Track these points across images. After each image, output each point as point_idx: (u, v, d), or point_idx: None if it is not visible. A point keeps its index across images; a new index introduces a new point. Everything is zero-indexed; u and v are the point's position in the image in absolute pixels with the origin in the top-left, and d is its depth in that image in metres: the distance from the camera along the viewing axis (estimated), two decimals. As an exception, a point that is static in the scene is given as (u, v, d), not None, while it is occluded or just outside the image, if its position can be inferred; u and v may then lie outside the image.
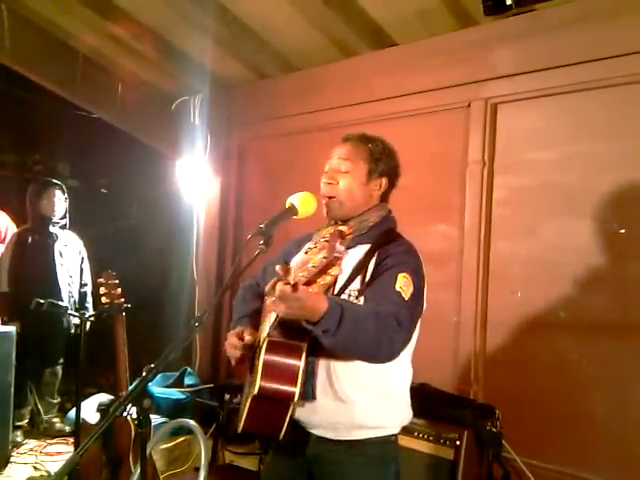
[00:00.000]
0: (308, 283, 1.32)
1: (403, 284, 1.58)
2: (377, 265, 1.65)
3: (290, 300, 1.34)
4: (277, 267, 1.43)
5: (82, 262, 4.38)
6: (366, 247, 1.71)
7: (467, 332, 3.27)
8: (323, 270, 1.28)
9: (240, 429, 1.66)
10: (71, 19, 3.68)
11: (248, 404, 1.57)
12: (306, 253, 1.37)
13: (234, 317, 1.92)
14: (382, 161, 1.81)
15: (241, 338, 1.71)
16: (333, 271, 1.28)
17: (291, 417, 1.60)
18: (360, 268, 1.67)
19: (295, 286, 1.32)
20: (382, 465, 1.72)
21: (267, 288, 1.53)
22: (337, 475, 1.69)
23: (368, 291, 1.61)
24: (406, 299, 1.56)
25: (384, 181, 1.81)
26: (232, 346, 1.73)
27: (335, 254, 1.24)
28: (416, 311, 1.63)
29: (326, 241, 1.29)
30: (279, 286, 1.35)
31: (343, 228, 1.33)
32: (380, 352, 1.52)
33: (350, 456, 1.67)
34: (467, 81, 3.32)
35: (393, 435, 1.74)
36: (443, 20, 3.29)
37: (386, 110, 3.67)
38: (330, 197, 1.74)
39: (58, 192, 4.20)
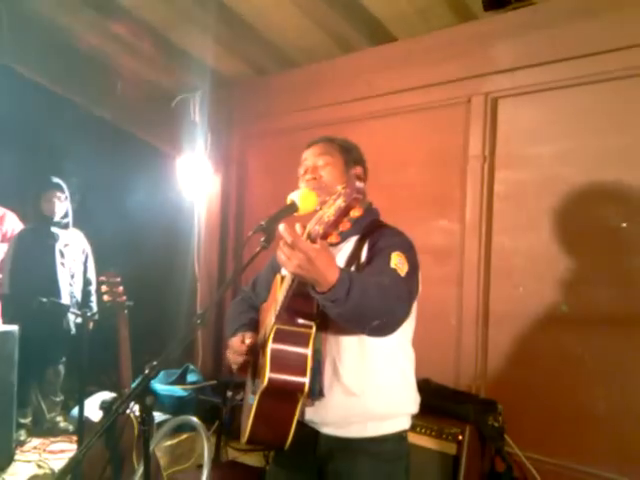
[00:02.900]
0: (325, 235, 1.28)
1: (398, 262, 1.57)
2: (369, 250, 1.67)
3: (303, 253, 1.29)
4: (297, 225, 1.41)
5: (86, 260, 4.38)
6: (355, 238, 1.73)
7: (469, 327, 3.28)
8: (342, 215, 1.22)
9: (245, 439, 1.64)
10: (71, 17, 3.68)
11: (255, 406, 1.55)
12: (320, 209, 1.31)
13: (230, 329, 1.89)
14: (353, 151, 1.88)
15: (244, 342, 1.71)
16: (354, 212, 1.22)
17: (299, 420, 1.58)
18: (353, 258, 1.68)
19: (313, 241, 1.29)
20: (394, 462, 1.71)
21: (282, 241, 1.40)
22: (350, 473, 1.68)
23: (363, 272, 1.60)
24: (402, 276, 1.56)
25: (360, 169, 1.86)
26: (235, 351, 1.73)
27: (355, 195, 1.19)
28: (413, 287, 1.62)
29: (343, 188, 1.23)
30: (293, 235, 1.30)
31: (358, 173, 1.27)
32: (382, 324, 1.49)
33: (362, 454, 1.66)
34: (467, 76, 3.32)
35: (404, 431, 1.74)
36: (442, 15, 3.29)
37: (386, 106, 3.67)
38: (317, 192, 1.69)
39: (58, 192, 4.19)
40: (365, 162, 1.91)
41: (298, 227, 1.43)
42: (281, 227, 1.34)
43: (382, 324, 1.49)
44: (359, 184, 1.21)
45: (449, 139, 3.44)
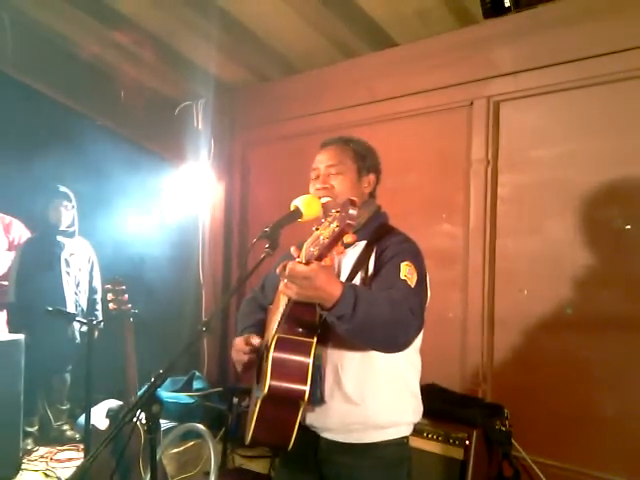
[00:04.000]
0: (320, 257, 1.30)
1: (407, 272, 1.57)
2: (377, 259, 1.66)
3: (300, 278, 1.32)
4: (292, 249, 1.43)
5: (92, 269, 4.40)
6: (363, 244, 1.72)
7: (474, 331, 3.27)
8: (335, 239, 1.25)
9: (248, 440, 1.64)
10: (73, 27, 3.70)
11: (257, 410, 1.56)
12: (317, 229, 1.34)
13: (238, 329, 1.91)
14: (368, 158, 1.86)
15: (248, 343, 1.71)
16: (347, 238, 1.25)
17: (300, 423, 1.59)
18: (360, 264, 1.67)
19: (307, 263, 1.31)
20: (394, 467, 1.70)
21: (278, 270, 1.44)
22: (350, 477, 1.68)
23: (373, 284, 1.60)
24: (413, 286, 1.56)
25: (372, 177, 1.85)
26: (239, 351, 1.73)
27: (347, 221, 1.21)
28: (423, 297, 1.63)
29: (337, 211, 1.26)
30: (289, 265, 1.34)
31: (353, 198, 1.30)
32: (396, 339, 1.48)
33: (363, 459, 1.66)
34: (469, 80, 3.32)
35: (405, 437, 1.73)
36: (443, 19, 3.29)
37: (388, 110, 3.67)
38: (327, 201, 1.71)
39: (65, 201, 4.22)
40: (379, 167, 1.90)
41: (293, 249, 1.44)
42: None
43: (395, 339, 1.49)
44: (352, 211, 1.22)
45: (452, 143, 3.44)
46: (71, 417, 4.29)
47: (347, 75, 3.86)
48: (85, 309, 4.28)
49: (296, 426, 1.58)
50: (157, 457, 1.59)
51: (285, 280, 1.36)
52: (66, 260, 4.20)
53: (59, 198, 4.20)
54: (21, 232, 4.53)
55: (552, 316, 3.02)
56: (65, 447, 3.99)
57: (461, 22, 3.31)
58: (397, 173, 3.57)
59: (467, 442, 2.66)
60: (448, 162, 3.46)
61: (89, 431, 2.85)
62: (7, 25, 3.53)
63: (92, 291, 4.38)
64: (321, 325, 1.56)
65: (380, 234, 1.73)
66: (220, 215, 4.68)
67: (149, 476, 1.63)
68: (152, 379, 1.38)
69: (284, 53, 3.93)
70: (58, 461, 3.77)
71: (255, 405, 1.60)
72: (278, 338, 1.52)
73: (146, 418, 1.41)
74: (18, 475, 3.45)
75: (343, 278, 1.67)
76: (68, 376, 4.27)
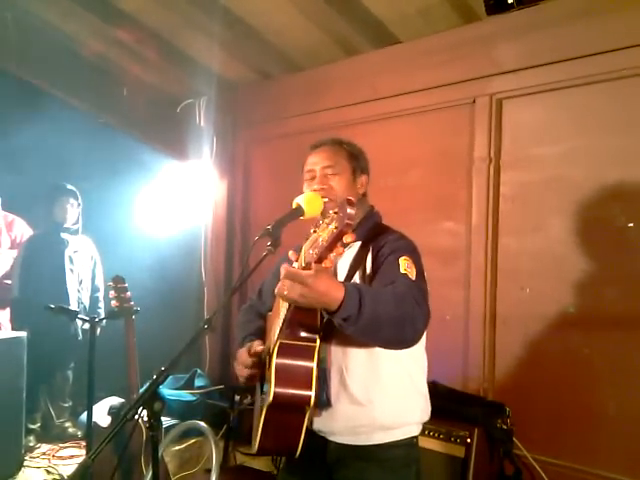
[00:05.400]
0: (320, 259, 1.28)
1: (406, 266, 1.57)
2: (375, 258, 1.66)
3: (301, 282, 1.30)
4: (290, 253, 1.42)
5: (95, 267, 4.41)
6: (358, 244, 1.72)
7: (476, 329, 3.26)
8: (335, 240, 1.24)
9: (255, 450, 1.61)
10: (76, 25, 3.69)
11: (262, 419, 1.54)
12: (314, 232, 1.33)
13: (238, 338, 1.90)
14: (360, 158, 1.87)
15: (251, 354, 1.70)
16: (346, 238, 1.24)
17: (308, 428, 1.57)
18: (357, 265, 1.67)
19: (307, 266, 1.30)
20: (403, 468, 1.70)
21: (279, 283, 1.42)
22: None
23: (374, 283, 1.60)
24: (413, 279, 1.56)
25: (365, 178, 1.86)
26: (242, 364, 1.71)
27: (346, 221, 1.20)
28: (425, 289, 1.62)
29: (335, 212, 1.25)
30: (284, 269, 1.33)
31: (350, 198, 1.29)
32: (405, 333, 1.46)
33: (371, 460, 1.65)
34: (471, 77, 3.31)
35: (414, 437, 1.72)
36: (446, 16, 3.28)
37: (391, 108, 3.67)
38: (327, 201, 1.70)
39: (71, 198, 4.23)
40: (369, 168, 1.90)
41: (291, 253, 1.43)
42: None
43: (404, 333, 1.47)
44: (350, 210, 1.22)
45: (454, 141, 3.43)
46: (73, 414, 4.30)
47: (349, 73, 3.86)
48: (88, 306, 4.29)
49: (303, 432, 1.56)
50: (159, 454, 1.59)
51: (285, 288, 1.35)
52: (70, 257, 4.21)
53: (66, 195, 4.22)
54: (23, 230, 4.54)
55: (554, 314, 3.02)
56: (67, 444, 4.00)
57: (464, 19, 3.31)
58: (399, 171, 3.57)
59: (468, 440, 2.66)
60: (450, 160, 3.46)
61: (91, 428, 2.85)
62: (10, 23, 3.53)
63: (94, 289, 4.39)
64: (324, 327, 1.55)
65: (375, 233, 1.73)
66: (222, 212, 4.68)
67: (151, 473, 1.63)
68: (154, 376, 1.38)
69: (287, 50, 3.93)
70: (60, 458, 3.77)
71: (260, 414, 1.57)
72: (280, 344, 1.50)
73: (148, 415, 1.40)
74: (20, 472, 3.46)
75: (341, 277, 1.67)
76: (70, 373, 4.28)
